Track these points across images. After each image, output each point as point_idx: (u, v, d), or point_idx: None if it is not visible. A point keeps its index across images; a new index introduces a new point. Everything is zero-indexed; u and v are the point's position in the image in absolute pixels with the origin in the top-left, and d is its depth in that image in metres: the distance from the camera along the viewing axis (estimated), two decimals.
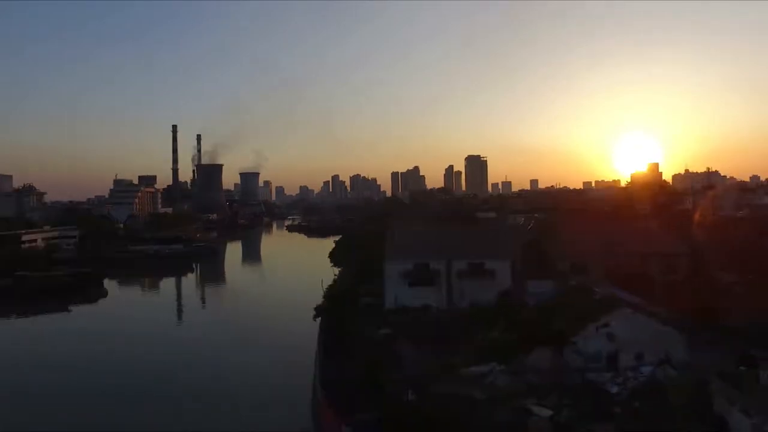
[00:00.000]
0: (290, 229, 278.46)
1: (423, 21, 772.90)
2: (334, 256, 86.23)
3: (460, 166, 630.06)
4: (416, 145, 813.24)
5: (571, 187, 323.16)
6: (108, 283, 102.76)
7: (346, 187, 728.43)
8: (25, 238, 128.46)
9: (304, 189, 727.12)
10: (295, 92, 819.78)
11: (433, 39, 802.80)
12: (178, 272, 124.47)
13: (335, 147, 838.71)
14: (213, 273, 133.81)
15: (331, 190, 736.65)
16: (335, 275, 73.19)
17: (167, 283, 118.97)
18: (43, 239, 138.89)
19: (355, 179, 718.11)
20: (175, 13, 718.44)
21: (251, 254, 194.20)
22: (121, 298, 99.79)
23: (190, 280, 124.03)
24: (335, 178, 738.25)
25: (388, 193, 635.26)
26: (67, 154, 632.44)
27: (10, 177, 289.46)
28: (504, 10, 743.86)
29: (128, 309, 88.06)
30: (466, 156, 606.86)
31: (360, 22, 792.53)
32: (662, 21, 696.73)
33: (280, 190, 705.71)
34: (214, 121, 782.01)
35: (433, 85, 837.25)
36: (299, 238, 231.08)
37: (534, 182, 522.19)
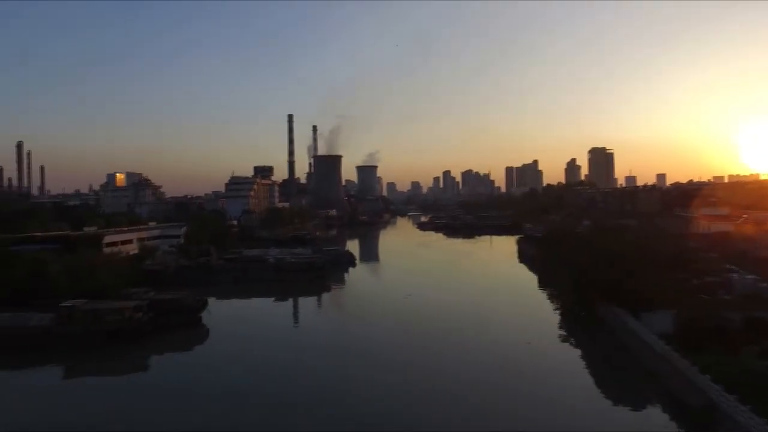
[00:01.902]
0: (422, 227, 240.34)
1: (539, 14, 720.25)
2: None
3: (581, 160, 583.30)
4: (530, 139, 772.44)
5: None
6: (210, 315, 65.70)
7: (457, 183, 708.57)
8: (110, 239, 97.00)
9: (415, 185, 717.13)
10: (404, 87, 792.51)
11: (553, 32, 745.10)
12: (312, 290, 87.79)
13: (446, 142, 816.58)
14: (373, 298, 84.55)
15: (441, 186, 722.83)
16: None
17: (297, 317, 78.71)
18: (138, 239, 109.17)
19: (467, 174, 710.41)
20: (293, 5, 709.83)
21: (405, 263, 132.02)
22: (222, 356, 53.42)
23: (345, 312, 77.70)
24: (446, 173, 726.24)
25: (502, 189, 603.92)
26: (188, 154, 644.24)
27: (139, 174, 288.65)
28: (622, 7, 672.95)
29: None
30: (590, 149, 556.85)
31: (468, 17, 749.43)
32: None
33: (391, 185, 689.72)
34: (325, 115, 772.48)
35: (548, 79, 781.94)
36: (438, 238, 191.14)
37: (661, 177, 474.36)
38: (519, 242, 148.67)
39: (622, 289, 51.68)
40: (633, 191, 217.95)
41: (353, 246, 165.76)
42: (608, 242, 62.29)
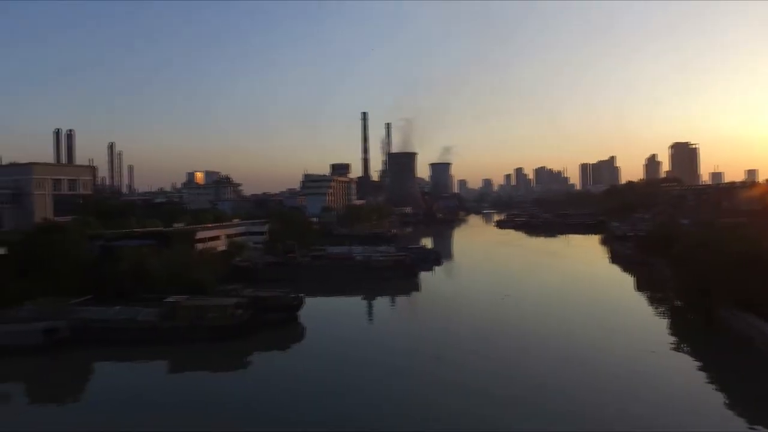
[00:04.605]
0: (501, 225, 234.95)
1: (613, 7, 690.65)
2: None
3: (661, 156, 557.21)
4: (606, 134, 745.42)
5: None
6: (306, 312, 64.91)
7: (530, 180, 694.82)
8: (201, 235, 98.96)
9: (486, 182, 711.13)
10: (475, 84, 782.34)
11: (629, 21, 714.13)
12: (403, 288, 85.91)
13: (517, 138, 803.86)
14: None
15: (514, 183, 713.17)
16: None
17: (392, 317, 76.04)
18: (227, 236, 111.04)
19: (540, 171, 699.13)
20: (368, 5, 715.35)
21: (491, 262, 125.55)
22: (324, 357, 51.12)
23: (443, 313, 70.45)
24: (519, 170, 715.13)
25: (577, 186, 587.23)
26: (263, 153, 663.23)
27: (217, 173, 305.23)
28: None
29: None
30: (672, 144, 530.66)
31: (542, 13, 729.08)
32: None
33: (462, 183, 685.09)
34: (400, 112, 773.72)
35: (623, 73, 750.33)
36: (518, 237, 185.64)
37: (752, 173, 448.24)
38: (608, 241, 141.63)
39: (761, 295, 46.78)
40: (730, 188, 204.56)
41: (429, 244, 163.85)
42: (734, 243, 56.81)
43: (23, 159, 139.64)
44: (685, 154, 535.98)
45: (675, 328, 58.86)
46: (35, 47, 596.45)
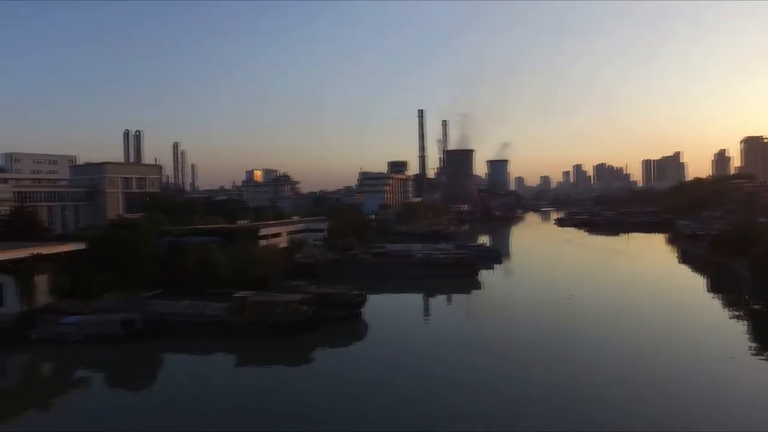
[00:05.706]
0: (561, 223, 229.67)
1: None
2: None
3: (731, 151, 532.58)
4: (669, 130, 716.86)
5: None
6: (368, 309, 64.82)
7: (589, 177, 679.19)
8: (264, 232, 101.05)
9: (544, 179, 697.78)
10: (533, 80, 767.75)
11: (694, 13, 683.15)
12: (464, 287, 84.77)
13: (576, 135, 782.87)
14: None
15: (573, 180, 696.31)
16: None
17: (456, 315, 75.88)
18: (288, 233, 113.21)
19: (600, 168, 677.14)
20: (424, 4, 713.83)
21: (552, 261, 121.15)
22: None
23: (507, 312, 68.27)
24: (578, 167, 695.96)
25: (639, 184, 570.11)
26: (321, 151, 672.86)
27: (275, 171, 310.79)
28: None
29: None
30: (743, 138, 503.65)
31: (602, 7, 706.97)
32: None
33: (519, 180, 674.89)
34: (457, 107, 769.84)
35: (688, 64, 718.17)
36: (580, 235, 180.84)
37: None
38: (676, 240, 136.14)
39: None
40: None
41: (487, 241, 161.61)
42: None
43: (96, 159, 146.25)
44: (758, 148, 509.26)
45: (755, 333, 55.78)
46: (106, 53, 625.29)
